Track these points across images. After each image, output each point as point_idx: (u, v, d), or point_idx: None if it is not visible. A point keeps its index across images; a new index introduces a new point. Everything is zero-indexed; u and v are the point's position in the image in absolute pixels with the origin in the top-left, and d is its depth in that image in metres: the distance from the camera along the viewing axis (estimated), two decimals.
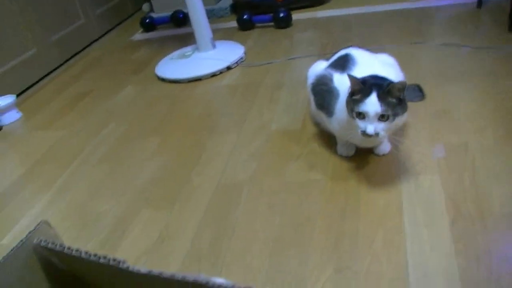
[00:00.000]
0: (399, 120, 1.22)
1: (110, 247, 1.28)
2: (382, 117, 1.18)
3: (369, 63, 1.40)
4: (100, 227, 1.37)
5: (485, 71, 1.83)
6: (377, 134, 1.19)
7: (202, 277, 0.47)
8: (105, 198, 1.49)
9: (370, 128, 1.18)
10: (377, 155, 1.43)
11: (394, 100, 1.19)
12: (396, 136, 1.40)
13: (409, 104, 1.63)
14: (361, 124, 1.20)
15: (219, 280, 0.46)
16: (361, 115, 1.20)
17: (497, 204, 1.19)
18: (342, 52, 1.49)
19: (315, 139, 1.57)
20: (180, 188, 1.47)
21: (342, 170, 1.41)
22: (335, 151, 1.48)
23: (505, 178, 1.26)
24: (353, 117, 1.22)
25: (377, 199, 1.27)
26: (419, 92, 1.72)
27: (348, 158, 1.45)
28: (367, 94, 1.18)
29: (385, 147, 1.43)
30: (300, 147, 1.55)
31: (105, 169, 1.65)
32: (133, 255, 1.24)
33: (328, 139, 1.53)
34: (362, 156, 1.44)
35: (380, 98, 1.17)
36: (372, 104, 1.17)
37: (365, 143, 1.38)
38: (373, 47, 2.13)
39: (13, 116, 2.24)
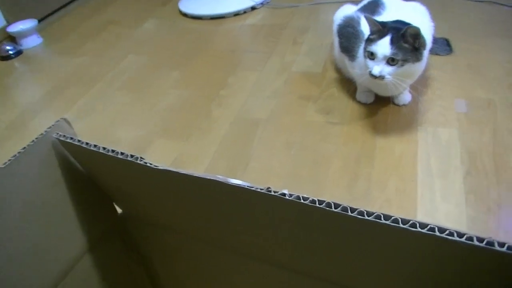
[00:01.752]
0: (411, 68, 1.20)
1: None
2: (391, 61, 1.16)
3: (399, 9, 1.37)
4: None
5: None
6: (382, 77, 1.17)
7: (221, 177, 0.47)
8: (123, 124, 1.51)
9: (376, 69, 1.17)
10: (397, 104, 1.42)
11: (406, 46, 1.16)
12: (417, 88, 1.38)
13: (438, 57, 1.62)
14: (370, 64, 1.19)
15: (236, 181, 0.47)
16: (372, 56, 1.18)
17: None
18: None
19: (335, 84, 1.55)
20: (198, 119, 1.48)
21: (360, 116, 1.40)
22: (354, 98, 1.47)
23: None
24: (365, 56, 1.21)
25: (392, 147, 1.26)
26: (446, 46, 1.68)
27: (367, 106, 1.43)
28: (382, 36, 1.17)
29: (404, 97, 1.41)
30: (320, 90, 1.53)
31: (125, 96, 1.66)
32: None
33: (347, 86, 1.51)
34: (381, 105, 1.43)
35: (393, 41, 1.15)
36: (382, 45, 1.16)
37: (382, 90, 1.36)
38: None
39: (34, 40, 2.24)
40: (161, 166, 0.49)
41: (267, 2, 2.28)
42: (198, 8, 2.25)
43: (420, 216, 1.05)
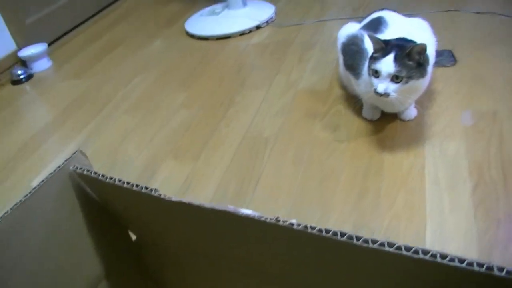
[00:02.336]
0: (416, 84, 1.22)
1: None
2: (395, 78, 1.18)
3: (401, 26, 1.39)
4: (128, 172, 1.41)
5: None
6: (387, 95, 1.19)
7: (231, 207, 0.49)
8: (133, 144, 1.54)
9: (381, 87, 1.18)
10: (403, 120, 1.43)
11: (411, 63, 1.18)
12: (423, 101, 1.39)
13: (442, 70, 1.63)
14: (374, 81, 1.21)
15: (247, 211, 0.49)
16: (376, 73, 1.20)
17: None
18: (375, 15, 1.48)
19: (341, 101, 1.57)
20: (207, 138, 1.50)
21: (367, 132, 1.41)
22: (360, 114, 1.48)
23: None
24: (369, 74, 1.23)
25: (400, 161, 1.28)
26: (451, 57, 1.70)
27: (373, 122, 1.45)
28: (385, 54, 1.19)
29: (410, 112, 1.42)
30: (326, 107, 1.55)
31: (134, 117, 1.69)
32: None
33: (354, 102, 1.53)
34: (387, 121, 1.44)
35: (397, 59, 1.17)
36: (386, 63, 1.17)
37: (388, 107, 1.38)
38: (407, 12, 2.09)
39: (44, 64, 2.29)
40: (175, 198, 0.51)
41: (272, 21, 2.31)
42: (204, 28, 2.29)
43: (429, 231, 1.06)
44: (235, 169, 1.35)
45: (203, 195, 1.27)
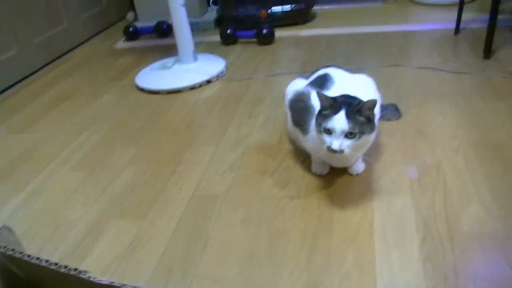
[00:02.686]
0: (367, 138, 1.24)
1: (79, 254, 1.26)
2: (349, 134, 1.20)
3: (346, 82, 1.43)
4: (71, 234, 1.35)
5: (461, 95, 1.87)
6: (341, 151, 1.20)
7: None
8: (77, 205, 1.47)
9: (336, 144, 1.19)
10: (351, 174, 1.45)
11: (362, 119, 1.21)
12: (370, 156, 1.42)
13: (386, 124, 1.68)
14: (327, 139, 1.21)
15: None
16: (329, 131, 1.21)
17: (466, 224, 1.21)
18: (321, 71, 1.52)
19: (291, 156, 1.58)
20: (155, 197, 1.46)
21: (316, 188, 1.42)
22: (309, 169, 1.49)
23: (475, 199, 1.29)
24: (320, 132, 1.23)
25: (349, 218, 1.28)
26: (395, 111, 1.75)
27: (323, 177, 1.46)
28: (336, 111, 1.20)
29: (358, 166, 1.44)
30: (276, 162, 1.56)
31: (79, 176, 1.63)
32: (103, 263, 1.22)
33: (303, 157, 1.54)
34: (336, 175, 1.46)
35: (348, 115, 1.19)
36: (339, 121, 1.19)
37: (338, 162, 1.40)
38: (353, 68, 2.17)
39: None
40: (105, 280, 0.48)
41: (223, 75, 2.34)
42: (154, 82, 2.29)
43: None
44: (183, 230, 1.31)
45: (150, 259, 1.22)
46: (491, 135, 1.58)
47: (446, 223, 1.22)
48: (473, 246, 1.14)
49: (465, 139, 1.57)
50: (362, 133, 1.21)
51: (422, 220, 1.24)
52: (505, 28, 2.58)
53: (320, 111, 1.25)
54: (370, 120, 1.22)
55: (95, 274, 1.15)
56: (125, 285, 0.45)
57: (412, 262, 1.12)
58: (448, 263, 1.10)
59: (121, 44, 3.10)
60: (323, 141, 1.23)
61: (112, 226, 1.36)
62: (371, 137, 1.27)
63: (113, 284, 0.46)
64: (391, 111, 1.76)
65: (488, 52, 2.21)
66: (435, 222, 1.23)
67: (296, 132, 1.46)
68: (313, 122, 1.32)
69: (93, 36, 3.31)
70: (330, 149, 1.21)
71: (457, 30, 2.58)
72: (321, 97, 1.23)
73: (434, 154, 1.51)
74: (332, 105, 1.22)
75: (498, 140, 1.55)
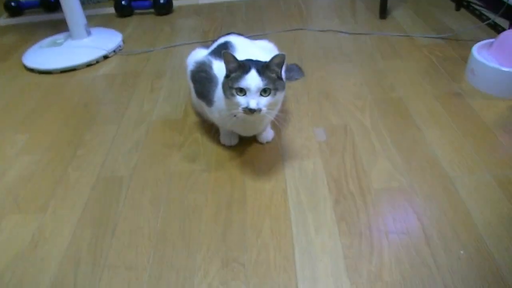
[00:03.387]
0: (280, 96, 1.20)
1: None
2: (264, 92, 1.15)
3: (248, 49, 1.38)
4: None
5: (361, 55, 1.91)
6: (259, 110, 1.15)
7: None
8: None
9: (253, 103, 1.14)
10: (261, 143, 1.42)
11: (273, 75, 1.17)
12: (278, 124, 1.39)
13: (292, 89, 1.67)
14: (242, 100, 1.15)
15: None
16: (242, 91, 1.15)
17: (376, 181, 1.23)
18: (222, 40, 1.46)
19: (197, 129, 1.52)
20: (54, 185, 1.34)
21: (226, 159, 1.37)
22: (218, 141, 1.44)
23: (382, 156, 1.32)
24: (232, 95, 1.16)
25: (262, 187, 1.25)
26: (299, 70, 1.75)
27: (232, 148, 1.42)
28: (246, 71, 1.15)
29: (267, 134, 1.42)
30: (183, 137, 1.49)
31: None
32: (2, 262, 1.10)
33: (210, 129, 1.49)
34: (245, 145, 1.42)
35: (260, 73, 1.15)
36: (253, 78, 1.14)
37: (248, 131, 1.36)
38: (255, 34, 2.13)
39: None
40: None
41: (120, 49, 2.19)
42: (45, 61, 2.09)
43: (298, 254, 1.04)
44: (89, 217, 1.21)
45: (55, 253, 1.11)
46: (392, 92, 1.62)
47: (357, 182, 1.24)
48: (383, 202, 1.17)
49: (369, 97, 1.60)
50: (276, 89, 1.16)
51: (333, 182, 1.25)
52: None
53: (227, 75, 1.19)
54: (279, 77, 1.19)
55: None
56: None
57: (327, 224, 1.12)
58: (361, 220, 1.12)
59: (3, 20, 2.81)
60: (237, 104, 1.16)
61: (8, 221, 1.23)
62: (282, 95, 1.23)
63: None
64: (295, 71, 1.77)
65: (383, 12, 2.27)
66: (346, 182, 1.24)
67: (201, 104, 1.39)
68: (217, 93, 1.26)
69: None
70: (247, 110, 1.14)
71: None
72: (229, 57, 1.16)
73: (341, 115, 1.52)
74: (241, 66, 1.16)
75: (398, 97, 1.59)
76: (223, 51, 1.16)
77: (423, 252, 1.02)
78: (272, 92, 1.16)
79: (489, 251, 1.01)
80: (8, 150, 1.52)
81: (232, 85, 1.16)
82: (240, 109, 1.16)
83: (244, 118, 1.19)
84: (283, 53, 1.16)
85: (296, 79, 1.72)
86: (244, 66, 1.16)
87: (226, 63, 1.17)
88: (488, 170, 1.24)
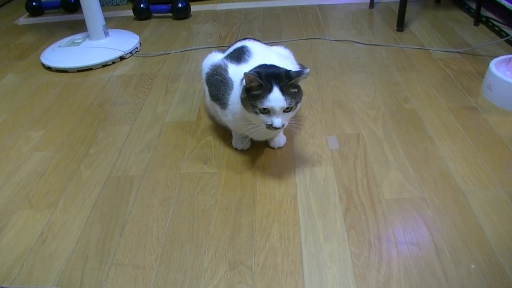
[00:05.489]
0: (299, 106, 1.22)
1: None
2: (287, 109, 1.16)
3: (264, 54, 1.38)
4: None
5: (377, 66, 1.90)
6: (283, 125, 1.17)
7: None
8: None
9: (278, 122, 1.14)
10: (273, 148, 1.42)
11: (295, 90, 1.17)
12: (291, 130, 1.39)
13: (306, 96, 1.66)
14: (266, 119, 1.15)
15: None
16: (266, 110, 1.15)
17: (387, 191, 1.22)
18: (238, 44, 1.46)
19: (210, 132, 1.53)
20: (66, 182, 1.35)
21: (238, 163, 1.37)
22: (230, 144, 1.44)
23: (394, 166, 1.31)
24: (255, 112, 1.16)
25: (272, 192, 1.25)
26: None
27: (244, 152, 1.42)
28: (269, 90, 1.14)
29: (280, 140, 1.42)
30: (195, 139, 1.49)
31: None
32: (10, 257, 1.10)
33: (223, 132, 1.49)
34: (257, 149, 1.42)
35: (283, 91, 1.14)
36: (277, 100, 1.13)
37: (262, 136, 1.36)
38: (271, 42, 2.13)
39: None
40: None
41: (137, 51, 2.21)
42: (62, 60, 2.12)
43: (306, 261, 1.03)
44: (98, 215, 1.22)
45: (63, 248, 1.12)
46: (406, 104, 1.62)
47: (368, 191, 1.23)
48: (394, 212, 1.16)
49: (383, 108, 1.59)
50: (297, 103, 1.18)
51: (344, 190, 1.24)
52: (416, 1, 2.66)
53: (247, 89, 1.17)
54: (298, 87, 1.19)
55: (1, 269, 1.04)
56: None
57: (336, 231, 1.11)
58: (371, 230, 1.11)
59: (23, 20, 2.85)
60: (260, 121, 1.17)
61: (19, 216, 1.24)
62: (301, 103, 1.24)
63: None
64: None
65: (401, 25, 2.26)
66: (357, 191, 1.23)
67: (215, 107, 1.39)
68: (232, 96, 1.27)
69: None
70: (271, 127, 1.16)
71: (371, 3, 2.63)
72: (250, 78, 1.13)
73: (354, 124, 1.51)
74: (262, 85, 1.14)
75: (413, 109, 1.59)
76: (244, 73, 1.14)
77: (433, 264, 1.01)
78: (294, 106, 1.17)
79: (500, 266, 1.00)
80: (23, 146, 1.54)
81: (255, 104, 1.14)
82: (263, 125, 1.17)
83: (265, 131, 1.20)
84: (307, 69, 1.17)
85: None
86: (266, 84, 1.14)
87: (248, 83, 1.16)
88: (502, 186, 1.22)
